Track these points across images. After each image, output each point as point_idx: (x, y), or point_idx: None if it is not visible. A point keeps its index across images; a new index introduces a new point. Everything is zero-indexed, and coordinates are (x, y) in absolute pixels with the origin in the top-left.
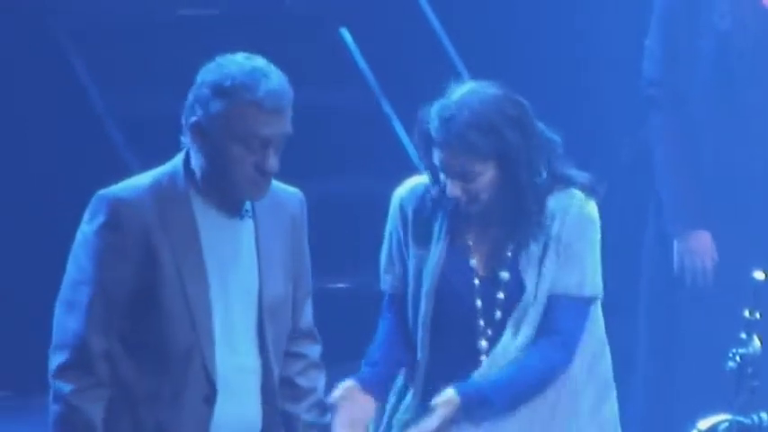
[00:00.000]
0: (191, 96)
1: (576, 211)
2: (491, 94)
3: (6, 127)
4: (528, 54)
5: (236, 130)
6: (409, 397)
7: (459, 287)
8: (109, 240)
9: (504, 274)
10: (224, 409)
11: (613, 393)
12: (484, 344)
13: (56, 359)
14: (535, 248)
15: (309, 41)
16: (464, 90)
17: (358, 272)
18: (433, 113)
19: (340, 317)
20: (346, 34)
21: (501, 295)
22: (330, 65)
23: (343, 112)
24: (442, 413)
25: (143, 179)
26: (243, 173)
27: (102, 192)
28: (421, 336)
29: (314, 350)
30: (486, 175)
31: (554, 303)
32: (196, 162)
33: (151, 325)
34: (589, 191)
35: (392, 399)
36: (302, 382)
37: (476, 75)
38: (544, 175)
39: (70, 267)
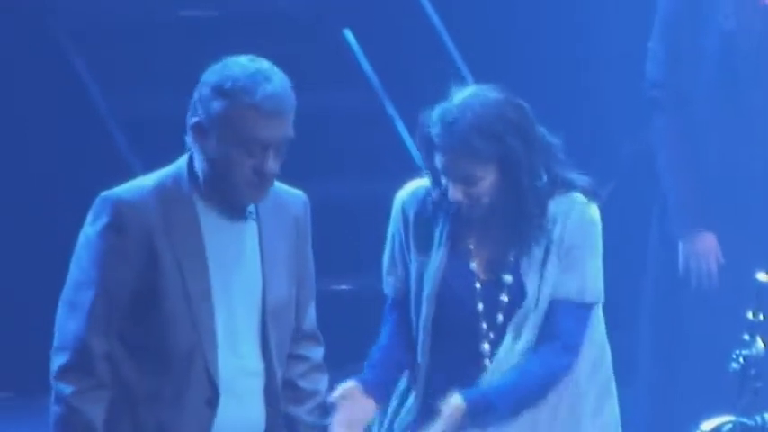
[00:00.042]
0: (194, 96)
1: (578, 215)
2: (493, 99)
3: (7, 127)
4: (529, 56)
5: (234, 133)
6: (411, 399)
7: (460, 290)
8: (112, 242)
9: (508, 278)
10: (227, 412)
11: (614, 396)
12: (486, 347)
13: (57, 360)
14: (537, 252)
15: (312, 43)
16: (465, 94)
17: (360, 273)
18: (434, 117)
19: (342, 318)
20: (349, 36)
21: (504, 298)
22: (333, 66)
23: (345, 113)
24: (449, 419)
25: (147, 181)
26: (241, 175)
27: (106, 193)
28: (422, 339)
29: (317, 352)
30: (488, 179)
31: (555, 308)
32: (198, 164)
33: (153, 326)
34: (590, 194)
35: (394, 401)
36: (304, 384)
37: (478, 76)
38: (545, 179)
39: (72, 268)
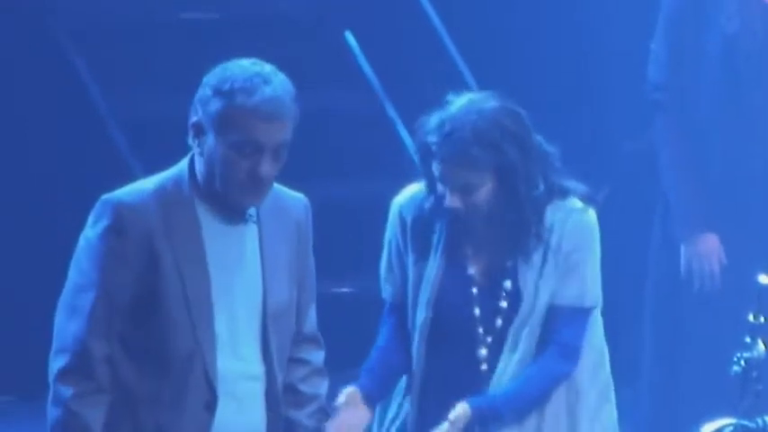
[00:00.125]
0: (195, 97)
1: (575, 222)
2: (489, 107)
3: (7, 127)
4: (530, 56)
5: (230, 133)
6: (407, 404)
7: (457, 296)
8: (112, 245)
9: (507, 283)
10: (227, 416)
11: (612, 400)
12: (483, 352)
13: (56, 363)
14: (535, 258)
15: (313, 44)
16: (463, 102)
17: (361, 276)
18: (432, 126)
19: (343, 321)
20: (350, 38)
21: (503, 304)
22: (334, 68)
23: (346, 114)
24: (454, 425)
25: (147, 184)
26: (236, 178)
27: (107, 196)
28: (417, 344)
29: (317, 356)
30: (485, 187)
31: (554, 314)
32: (198, 165)
33: (153, 330)
34: (587, 200)
35: (392, 405)
36: (305, 388)
37: (479, 78)
38: (542, 186)
39: (72, 271)
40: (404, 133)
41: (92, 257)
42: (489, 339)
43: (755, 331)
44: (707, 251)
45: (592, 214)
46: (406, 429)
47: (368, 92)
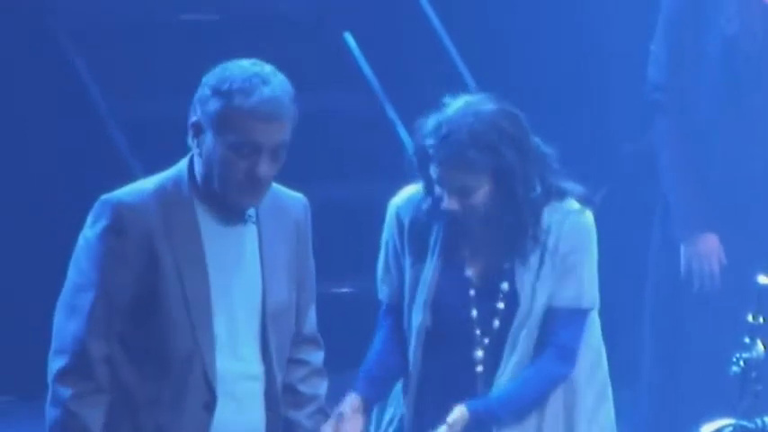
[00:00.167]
0: (195, 96)
1: (572, 223)
2: (487, 110)
3: (7, 127)
4: (530, 58)
5: (227, 135)
6: (403, 406)
7: (454, 297)
8: (111, 245)
9: (504, 285)
10: (227, 416)
11: (610, 400)
12: (480, 353)
13: (56, 363)
14: (532, 260)
15: (313, 46)
16: (459, 105)
17: (360, 276)
18: (429, 129)
19: (342, 322)
20: (350, 39)
21: (500, 305)
22: (334, 69)
23: (346, 116)
24: (452, 428)
25: (147, 184)
26: (234, 178)
27: (106, 196)
28: (414, 346)
29: (317, 357)
30: (483, 189)
31: (552, 316)
32: (197, 166)
33: (152, 330)
34: (584, 201)
35: (390, 408)
36: (304, 388)
37: (479, 79)
38: (539, 189)
39: (72, 271)
40: (404, 134)
41: (91, 257)
42: (486, 341)
43: (755, 332)
44: (707, 251)
45: (589, 216)
46: (402, 431)
47: (368, 93)
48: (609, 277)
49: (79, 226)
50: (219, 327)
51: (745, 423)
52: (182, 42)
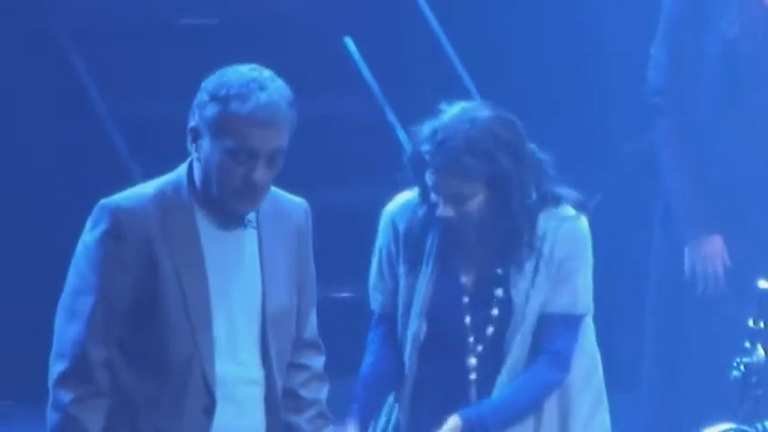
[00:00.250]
0: (194, 101)
1: (567, 229)
2: (483, 117)
3: (6, 127)
4: (529, 59)
5: (224, 140)
6: (398, 413)
7: (448, 304)
8: (110, 249)
9: (498, 291)
10: (227, 420)
11: (605, 406)
12: (473, 361)
13: (56, 367)
14: (527, 267)
15: (313, 50)
16: (455, 111)
17: (361, 281)
18: (425, 135)
19: (343, 326)
20: (350, 43)
21: (495, 312)
22: (334, 73)
23: (346, 120)
24: None
25: (146, 188)
26: (230, 184)
27: (105, 201)
28: (409, 353)
29: (318, 361)
30: (479, 196)
31: (546, 322)
32: (196, 171)
33: (151, 335)
34: (579, 207)
35: (382, 416)
36: (305, 393)
37: (479, 82)
38: (534, 196)
39: (71, 276)
40: (403, 138)
41: (90, 262)
42: (480, 348)
43: (755, 336)
44: (711, 253)
45: (584, 221)
46: None
47: (367, 97)
48: (609, 279)
49: (79, 228)
50: (219, 331)
51: (745, 428)
52: (181, 44)
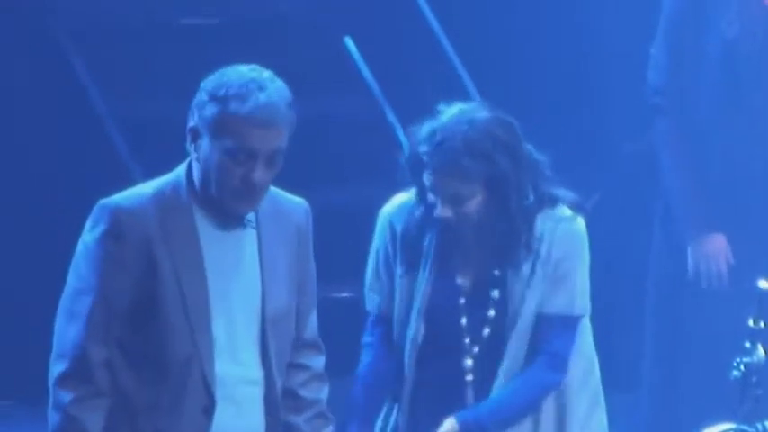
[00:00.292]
0: (193, 101)
1: (564, 230)
2: (481, 118)
3: (6, 128)
4: (529, 59)
5: (224, 140)
6: (397, 414)
7: (444, 305)
8: (110, 250)
9: (495, 292)
10: (226, 420)
11: (602, 406)
12: (469, 362)
13: (56, 368)
14: (524, 268)
15: (313, 50)
16: (454, 112)
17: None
18: (423, 136)
19: (343, 326)
20: (350, 43)
21: (491, 313)
22: (334, 73)
23: (346, 120)
24: None
25: (146, 188)
26: (229, 184)
27: (105, 201)
28: (408, 353)
29: (318, 361)
30: (477, 197)
31: (543, 323)
32: (195, 171)
33: (151, 335)
34: (576, 208)
35: (379, 421)
36: (305, 393)
37: (479, 82)
38: (532, 197)
39: (71, 276)
40: (404, 139)
41: (90, 262)
42: (476, 349)
43: (755, 336)
44: (714, 252)
45: (581, 222)
46: None
47: (367, 97)
48: (608, 279)
49: (79, 229)
50: (218, 331)
51: (745, 427)
52: (181, 44)
